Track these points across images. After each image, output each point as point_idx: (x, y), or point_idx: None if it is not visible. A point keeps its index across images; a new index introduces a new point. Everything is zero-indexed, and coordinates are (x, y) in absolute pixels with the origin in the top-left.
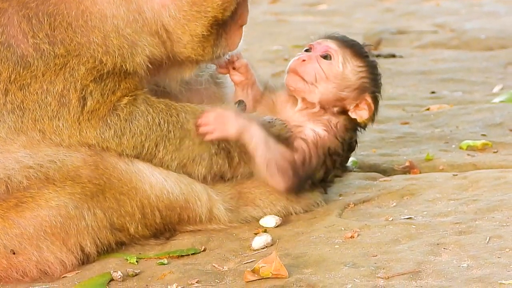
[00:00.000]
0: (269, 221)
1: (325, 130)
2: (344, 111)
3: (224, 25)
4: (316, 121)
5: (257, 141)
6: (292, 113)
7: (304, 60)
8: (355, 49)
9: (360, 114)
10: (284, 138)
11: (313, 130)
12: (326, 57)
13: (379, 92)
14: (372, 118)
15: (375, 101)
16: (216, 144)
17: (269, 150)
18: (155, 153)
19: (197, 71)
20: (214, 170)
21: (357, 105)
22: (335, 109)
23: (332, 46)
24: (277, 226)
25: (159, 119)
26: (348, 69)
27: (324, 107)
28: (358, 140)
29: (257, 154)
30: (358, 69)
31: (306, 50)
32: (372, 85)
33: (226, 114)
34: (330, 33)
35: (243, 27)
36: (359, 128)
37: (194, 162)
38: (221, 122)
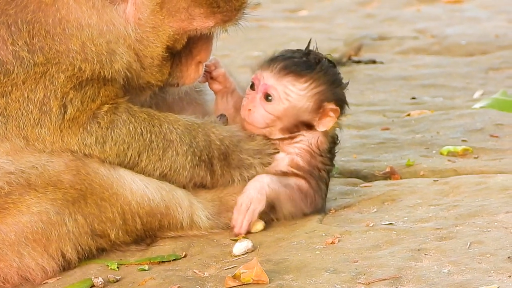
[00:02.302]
0: None
1: (310, 154)
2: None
3: (179, 56)
4: (298, 147)
5: (273, 186)
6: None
7: (250, 110)
8: (293, 74)
9: (325, 124)
10: (268, 153)
11: (300, 155)
12: (268, 97)
13: (339, 90)
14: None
15: (339, 102)
16: (198, 156)
17: (287, 186)
18: (138, 162)
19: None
20: (195, 180)
21: (320, 118)
22: (305, 127)
23: (270, 83)
24: (257, 232)
25: (141, 129)
26: (294, 98)
27: (292, 132)
28: (339, 146)
29: (280, 194)
30: (303, 92)
31: (251, 86)
32: (327, 92)
33: (243, 198)
34: (269, 57)
35: (203, 64)
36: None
37: (176, 172)
38: (246, 207)
